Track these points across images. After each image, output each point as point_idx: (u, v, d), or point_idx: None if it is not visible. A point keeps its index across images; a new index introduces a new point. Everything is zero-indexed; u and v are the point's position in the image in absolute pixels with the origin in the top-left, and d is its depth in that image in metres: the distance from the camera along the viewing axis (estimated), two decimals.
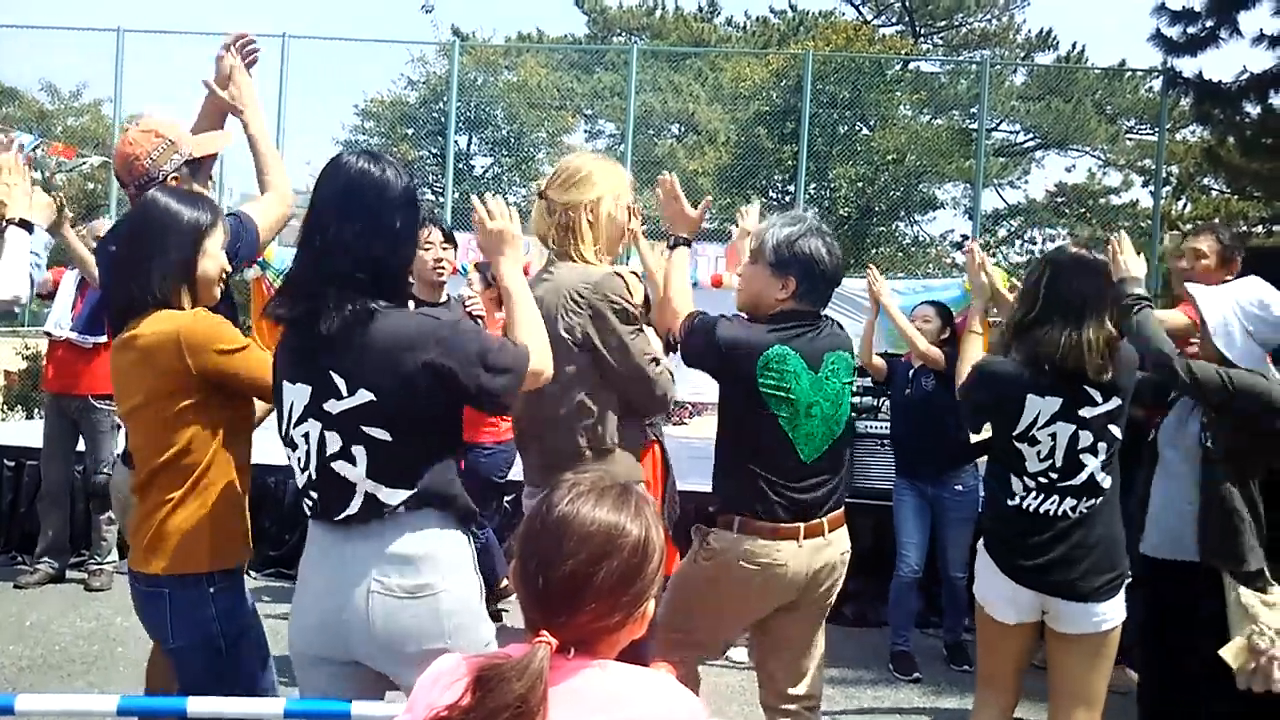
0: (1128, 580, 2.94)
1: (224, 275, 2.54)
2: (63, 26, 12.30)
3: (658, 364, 2.67)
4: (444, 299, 4.62)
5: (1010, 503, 2.96)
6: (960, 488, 4.95)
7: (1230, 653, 2.98)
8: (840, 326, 2.96)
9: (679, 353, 2.90)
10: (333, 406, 2.10)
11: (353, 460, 2.10)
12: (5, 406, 10.25)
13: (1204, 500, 3.12)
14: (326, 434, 2.11)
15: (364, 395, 2.08)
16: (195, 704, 2.17)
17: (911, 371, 5.11)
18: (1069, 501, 2.91)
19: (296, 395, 2.14)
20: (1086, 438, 2.89)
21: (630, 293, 2.65)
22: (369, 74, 36.39)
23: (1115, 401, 2.91)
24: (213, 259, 2.47)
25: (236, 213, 2.83)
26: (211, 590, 2.36)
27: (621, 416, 2.70)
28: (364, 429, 2.09)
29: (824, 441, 2.81)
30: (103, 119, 19.42)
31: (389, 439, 2.10)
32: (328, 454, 2.11)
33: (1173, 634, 3.24)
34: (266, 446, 2.57)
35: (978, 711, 3.12)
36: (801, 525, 2.77)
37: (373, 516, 2.11)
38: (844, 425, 2.87)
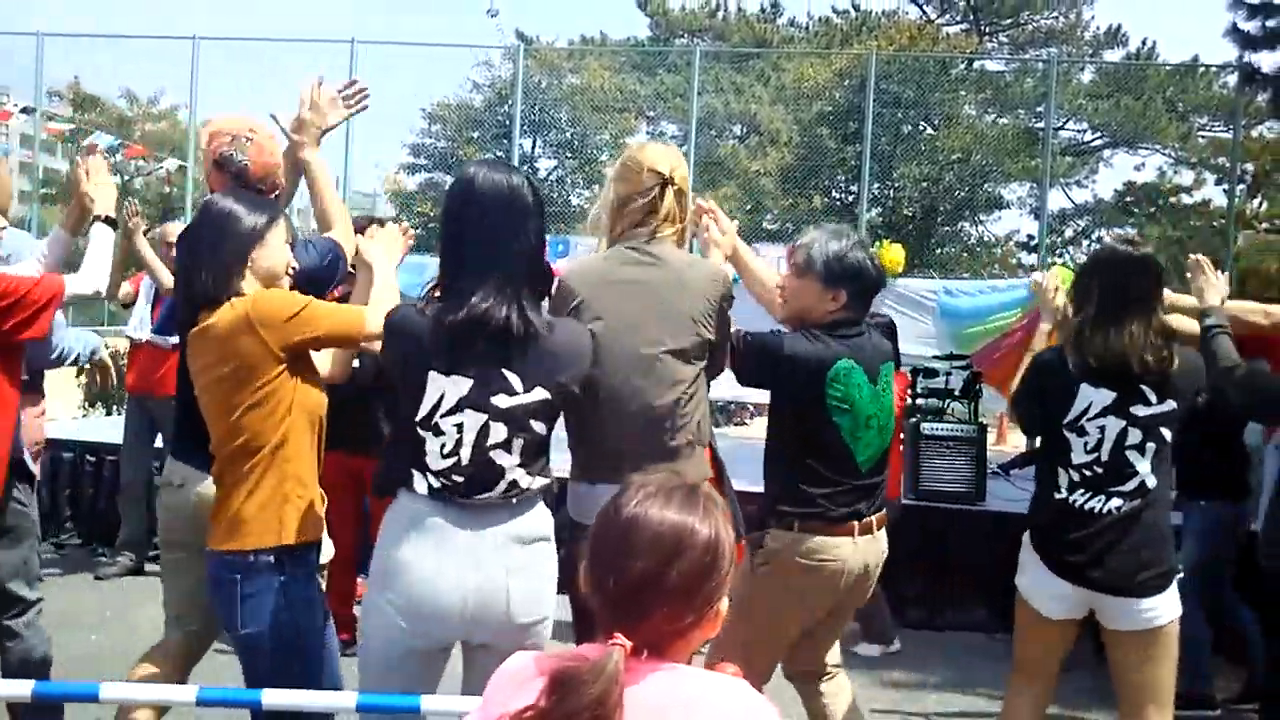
0: (1179, 575, 2.96)
1: (290, 271, 2.60)
2: (141, 35, 12.67)
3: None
4: None
5: (1057, 496, 2.98)
6: None
7: None
8: (880, 333, 3.10)
9: (733, 372, 2.93)
10: (502, 401, 2.28)
11: (510, 449, 2.30)
12: (86, 404, 10.55)
13: None
14: (492, 425, 2.28)
15: (540, 393, 2.31)
16: (270, 696, 2.24)
17: None
18: (1114, 501, 2.91)
19: (450, 386, 2.27)
20: (1135, 436, 2.90)
21: None
22: (435, 78, 36.81)
23: (1170, 404, 2.91)
24: (275, 252, 2.54)
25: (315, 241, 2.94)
26: (282, 578, 2.40)
27: None
28: (531, 423, 2.31)
29: (877, 450, 2.92)
30: (179, 124, 19.91)
31: (544, 432, 2.35)
32: (489, 443, 2.29)
33: None
34: None
35: (1011, 699, 3.13)
36: (856, 523, 2.85)
37: (509, 499, 2.32)
38: (890, 433, 2.99)
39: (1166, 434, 2.93)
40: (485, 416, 2.29)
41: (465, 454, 2.29)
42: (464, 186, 2.34)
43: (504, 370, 2.29)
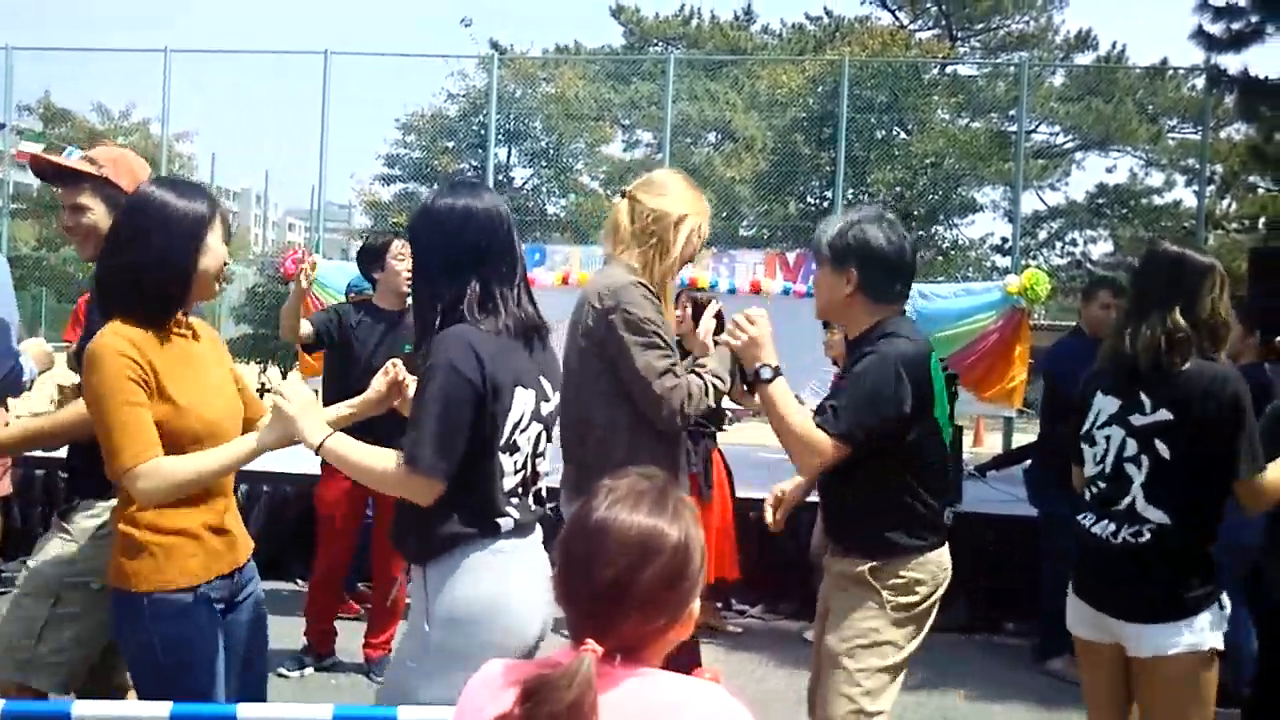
0: (1213, 605, 2.69)
1: (223, 275, 2.47)
2: (112, 49, 12.58)
3: (671, 377, 2.65)
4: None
5: (1079, 515, 2.90)
6: None
7: None
8: None
9: (849, 448, 2.58)
10: (544, 409, 2.37)
11: (543, 457, 2.41)
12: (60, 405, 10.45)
13: None
14: (541, 434, 2.37)
15: (558, 397, 2.44)
16: (245, 710, 2.22)
17: None
18: (1110, 526, 2.79)
19: (526, 400, 2.28)
20: (1132, 446, 2.77)
21: (648, 304, 2.68)
22: (410, 88, 36.75)
23: (1165, 414, 2.70)
24: (212, 255, 2.40)
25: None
26: (148, 609, 2.30)
27: (648, 435, 2.71)
28: (552, 428, 2.43)
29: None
30: (150, 137, 19.77)
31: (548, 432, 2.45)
32: (536, 453, 2.37)
33: None
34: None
35: None
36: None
37: (540, 508, 2.41)
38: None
39: (1162, 449, 2.70)
40: (541, 427, 2.35)
41: (528, 469, 2.34)
42: (471, 209, 2.31)
43: (541, 377, 2.36)
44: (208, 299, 2.53)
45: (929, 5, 24.75)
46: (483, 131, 14.97)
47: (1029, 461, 5.91)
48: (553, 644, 2.05)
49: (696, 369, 2.79)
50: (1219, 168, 15.99)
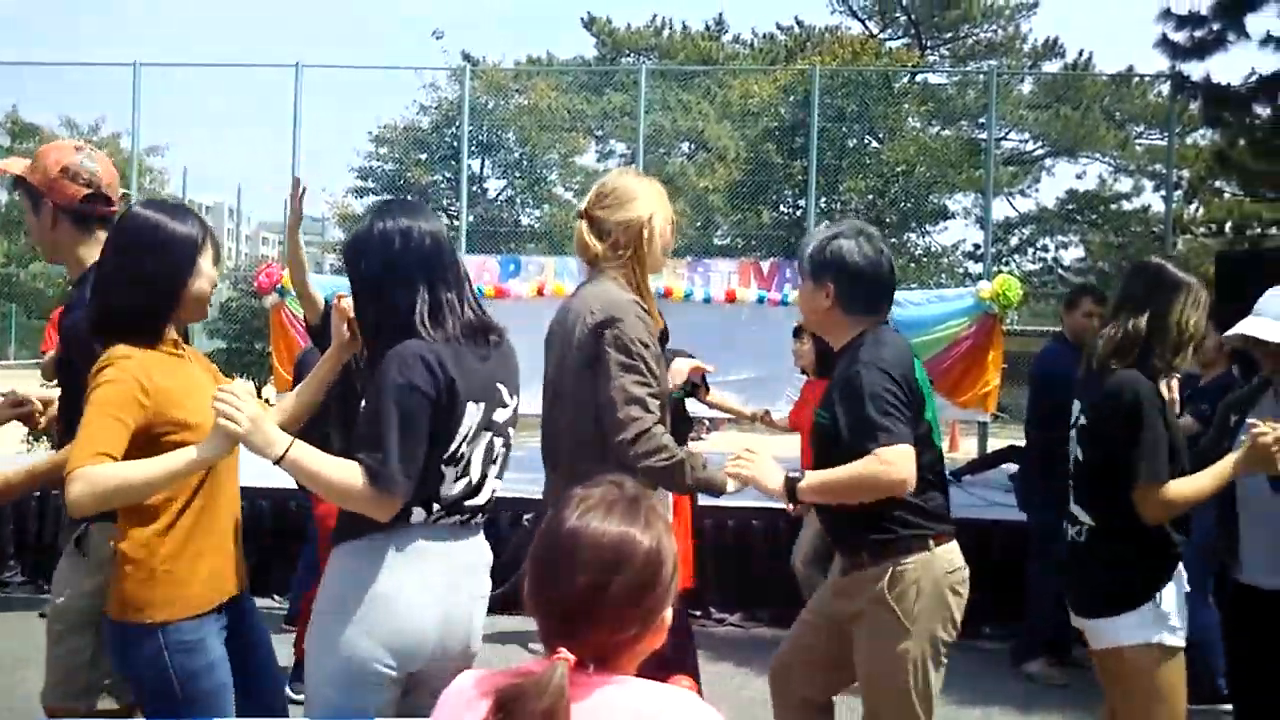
0: (1148, 603, 2.73)
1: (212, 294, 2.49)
2: (81, 63, 12.49)
3: (639, 408, 2.57)
4: None
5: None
6: None
7: None
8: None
9: (911, 442, 2.59)
10: (499, 415, 2.33)
11: (496, 462, 2.36)
12: (31, 438, 10.33)
13: None
14: (494, 441, 2.33)
15: (514, 400, 2.38)
16: None
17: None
18: (1066, 524, 2.95)
19: (475, 413, 2.26)
20: (1075, 449, 2.93)
21: (641, 326, 2.64)
22: (382, 101, 36.69)
23: (1083, 418, 2.87)
24: (205, 277, 2.41)
25: None
26: (163, 640, 2.27)
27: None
28: (509, 432, 2.38)
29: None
30: (121, 152, 19.64)
31: (511, 438, 2.41)
32: (488, 459, 2.32)
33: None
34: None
35: None
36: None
37: (484, 516, 2.36)
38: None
39: (1078, 451, 2.89)
40: (490, 434, 2.31)
41: (475, 475, 2.29)
42: (410, 227, 2.29)
43: (498, 384, 2.32)
44: (198, 320, 2.52)
45: (898, 15, 24.97)
46: (455, 143, 14.99)
47: (1017, 468, 5.89)
48: (485, 656, 2.02)
49: (689, 449, 2.75)
50: (1185, 173, 16.18)
